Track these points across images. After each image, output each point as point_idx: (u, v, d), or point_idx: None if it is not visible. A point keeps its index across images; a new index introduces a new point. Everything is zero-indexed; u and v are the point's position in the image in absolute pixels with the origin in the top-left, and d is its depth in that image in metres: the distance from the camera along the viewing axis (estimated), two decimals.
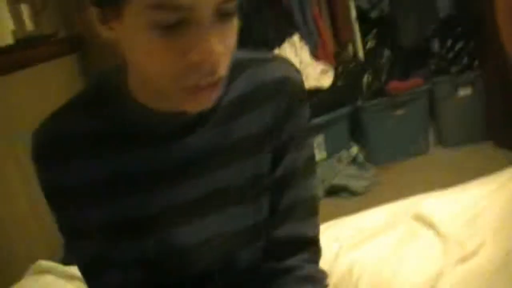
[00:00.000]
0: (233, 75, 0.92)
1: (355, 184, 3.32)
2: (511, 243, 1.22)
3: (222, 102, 0.93)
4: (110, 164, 0.91)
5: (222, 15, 0.75)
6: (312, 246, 1.06)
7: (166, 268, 0.99)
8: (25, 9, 2.72)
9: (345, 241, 1.38)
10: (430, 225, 1.33)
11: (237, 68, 0.93)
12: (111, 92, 0.91)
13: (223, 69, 0.79)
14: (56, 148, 0.90)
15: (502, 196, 1.41)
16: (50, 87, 2.69)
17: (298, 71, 1.01)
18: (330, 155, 3.46)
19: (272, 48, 3.27)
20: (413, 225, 1.37)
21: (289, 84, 0.97)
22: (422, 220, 1.37)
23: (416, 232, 1.33)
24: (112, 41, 0.82)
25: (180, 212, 0.95)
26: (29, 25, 2.71)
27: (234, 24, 0.79)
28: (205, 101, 0.82)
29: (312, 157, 1.05)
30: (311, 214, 1.05)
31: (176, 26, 0.73)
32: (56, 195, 0.93)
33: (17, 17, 2.60)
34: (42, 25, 2.79)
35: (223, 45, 0.76)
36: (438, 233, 1.30)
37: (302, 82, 1.00)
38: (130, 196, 0.93)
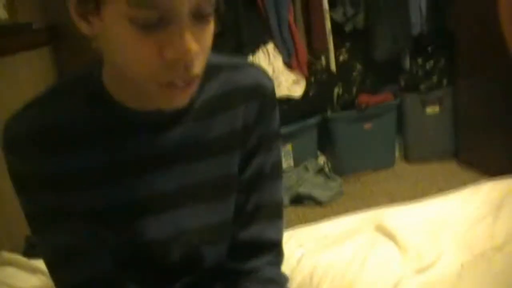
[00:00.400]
0: (208, 76, 0.95)
1: (320, 193, 3.36)
2: (466, 256, 1.26)
3: (196, 101, 0.95)
4: (85, 155, 0.92)
5: (199, 16, 0.78)
6: (275, 249, 1.09)
7: (135, 261, 1.00)
8: None
9: (308, 247, 1.41)
10: (391, 236, 1.37)
11: (212, 70, 0.96)
12: (88, 87, 0.93)
13: (198, 68, 0.81)
14: (33, 138, 0.90)
15: (462, 212, 1.46)
16: (23, 78, 2.66)
17: (270, 79, 1.05)
18: (297, 163, 3.49)
19: (246, 54, 3.28)
20: (375, 235, 1.41)
21: (261, 90, 1.01)
22: (384, 230, 1.41)
23: (378, 242, 1.37)
24: (89, 36, 0.83)
25: (151, 206, 0.97)
26: (3, 14, 2.68)
27: (210, 26, 0.81)
28: (180, 99, 0.84)
29: (279, 162, 1.08)
30: (276, 217, 1.08)
31: (154, 24, 0.75)
32: (31, 184, 0.93)
33: None
34: (17, 15, 2.76)
35: (198, 45, 0.78)
36: (398, 244, 1.34)
37: (273, 89, 1.04)
38: (104, 187, 0.94)
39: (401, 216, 1.47)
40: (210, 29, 0.82)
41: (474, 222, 1.42)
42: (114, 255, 0.98)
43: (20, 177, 0.93)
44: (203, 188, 0.99)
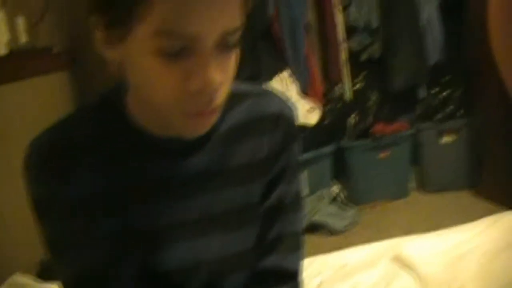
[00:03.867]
0: (232, 104, 0.94)
1: (335, 222, 3.33)
2: None
3: (218, 129, 0.95)
4: (107, 178, 0.91)
5: (224, 46, 0.77)
6: (293, 280, 1.07)
7: None
8: (21, 21, 2.73)
9: (326, 276, 1.39)
10: (410, 267, 1.35)
11: (237, 97, 0.96)
12: (112, 110, 0.92)
13: (221, 98, 0.81)
14: (55, 160, 0.90)
15: (481, 244, 1.43)
16: (42, 101, 2.69)
17: (292, 108, 1.04)
18: (312, 192, 3.47)
19: (262, 82, 3.29)
20: (393, 266, 1.39)
21: (284, 119, 1.00)
22: (403, 261, 1.39)
23: (397, 273, 1.35)
24: (115, 63, 0.83)
25: (172, 234, 0.95)
26: (24, 38, 2.72)
27: (235, 55, 0.81)
28: (201, 127, 0.84)
29: (300, 192, 1.07)
30: (296, 248, 1.07)
31: (179, 54, 0.75)
32: (50, 208, 0.92)
33: (13, 28, 2.60)
34: (37, 39, 2.79)
35: (222, 75, 0.78)
36: (418, 275, 1.32)
37: (296, 119, 1.03)
38: (124, 213, 0.93)
39: (418, 246, 1.44)
40: (235, 58, 0.81)
41: (493, 254, 1.39)
42: (133, 282, 0.97)
43: (40, 200, 0.92)
44: (225, 217, 0.98)
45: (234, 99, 0.94)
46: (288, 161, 1.02)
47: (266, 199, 1.02)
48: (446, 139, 3.67)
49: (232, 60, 0.81)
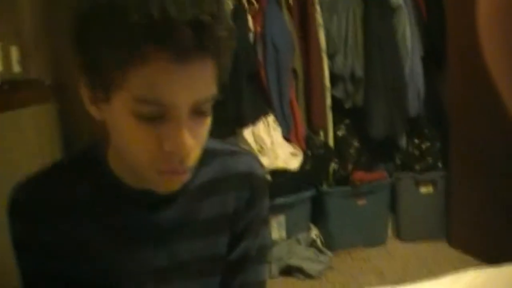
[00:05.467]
0: (204, 161, 1.01)
1: (310, 266, 3.37)
2: None
3: (191, 185, 1.02)
4: (82, 228, 0.98)
5: (198, 113, 0.85)
6: None
7: None
8: (14, 52, 2.78)
9: None
10: None
11: (208, 156, 1.03)
12: (92, 163, 1.00)
13: (192, 160, 0.88)
14: (35, 208, 0.97)
15: None
16: (29, 132, 2.73)
17: (262, 167, 1.12)
18: (289, 235, 3.51)
19: (246, 125, 3.36)
20: None
21: (253, 178, 1.08)
22: None
23: None
24: (98, 119, 0.91)
25: (140, 281, 1.02)
26: (16, 68, 2.78)
27: (208, 120, 0.89)
28: (174, 185, 0.91)
29: (265, 246, 1.14)
30: None
31: (155, 118, 0.82)
32: (28, 249, 0.99)
33: (5, 58, 2.66)
34: (29, 69, 2.85)
35: (194, 140, 0.85)
36: None
37: (265, 178, 1.11)
38: (97, 260, 0.99)
39: None
40: (207, 123, 0.89)
41: None
42: None
43: (19, 241, 1.00)
44: (191, 266, 1.04)
45: (206, 156, 1.01)
46: (255, 216, 1.09)
47: (231, 251, 1.08)
48: (423, 190, 3.75)
49: (204, 126, 0.88)
